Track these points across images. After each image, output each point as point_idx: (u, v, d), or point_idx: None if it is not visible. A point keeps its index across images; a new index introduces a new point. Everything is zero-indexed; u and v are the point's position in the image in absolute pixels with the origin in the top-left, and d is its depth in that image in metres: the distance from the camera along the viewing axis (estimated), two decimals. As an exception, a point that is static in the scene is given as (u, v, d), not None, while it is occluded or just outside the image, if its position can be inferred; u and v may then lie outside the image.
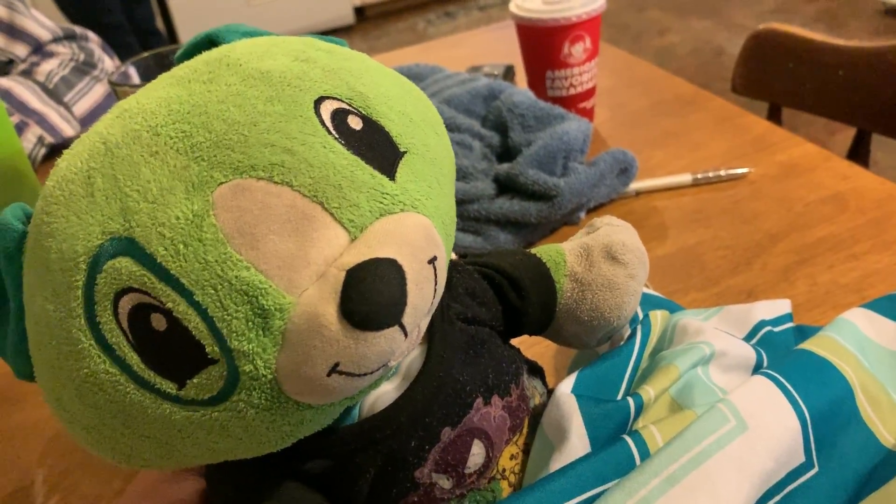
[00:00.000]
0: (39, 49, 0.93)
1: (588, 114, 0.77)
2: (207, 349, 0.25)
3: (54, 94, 0.92)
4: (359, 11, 3.64)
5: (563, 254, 0.38)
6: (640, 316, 0.42)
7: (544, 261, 0.37)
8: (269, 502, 0.30)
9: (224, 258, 0.25)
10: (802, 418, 0.34)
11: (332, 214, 0.26)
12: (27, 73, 0.92)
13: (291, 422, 0.27)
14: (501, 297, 0.37)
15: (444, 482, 0.32)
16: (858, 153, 0.86)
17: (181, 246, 0.25)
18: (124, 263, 0.25)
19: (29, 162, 0.63)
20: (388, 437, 0.31)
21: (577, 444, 0.33)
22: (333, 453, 0.31)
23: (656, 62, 0.88)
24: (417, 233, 0.27)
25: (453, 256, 0.36)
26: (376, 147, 0.28)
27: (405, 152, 0.29)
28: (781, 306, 0.47)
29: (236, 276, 0.25)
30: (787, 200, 0.63)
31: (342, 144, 0.27)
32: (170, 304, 0.25)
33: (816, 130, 2.11)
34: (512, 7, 0.72)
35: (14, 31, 0.91)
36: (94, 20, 2.47)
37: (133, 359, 0.26)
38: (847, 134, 0.87)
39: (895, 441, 0.36)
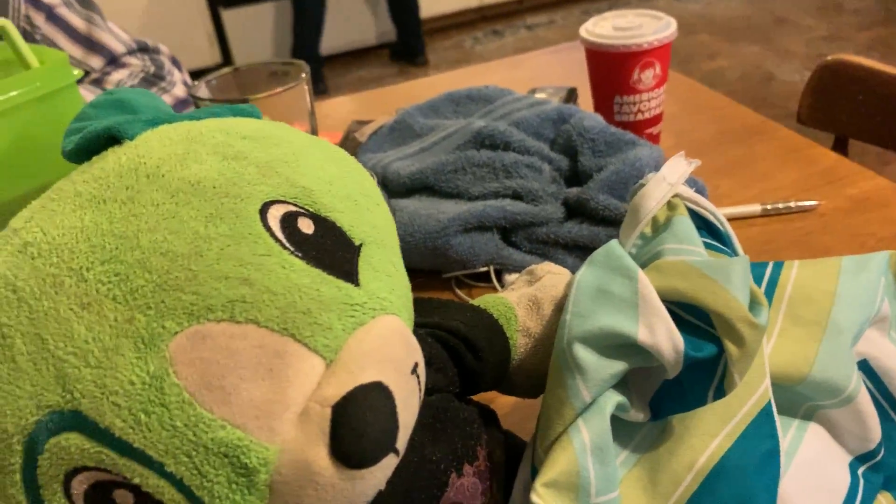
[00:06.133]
0: (114, 61, 0.96)
1: (654, 140, 0.77)
2: None
3: (123, 103, 0.94)
4: (407, 28, 3.69)
5: (512, 308, 0.36)
6: None
7: (495, 317, 0.36)
8: None
9: (194, 421, 0.21)
10: None
11: (305, 345, 0.23)
12: (98, 83, 0.95)
13: None
14: (457, 359, 0.35)
15: None
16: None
17: (141, 415, 0.21)
18: (73, 440, 0.22)
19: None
20: None
21: None
22: None
23: (704, 86, 0.88)
24: (395, 343, 0.24)
25: None
26: (333, 250, 0.26)
27: (360, 245, 0.27)
28: None
29: (212, 439, 0.21)
30: (860, 235, 0.62)
31: (300, 258, 0.24)
32: (136, 480, 0.22)
33: (870, 160, 2.08)
34: (582, 32, 0.73)
35: (92, 44, 0.93)
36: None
37: None
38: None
39: None
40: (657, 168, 0.63)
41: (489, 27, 3.72)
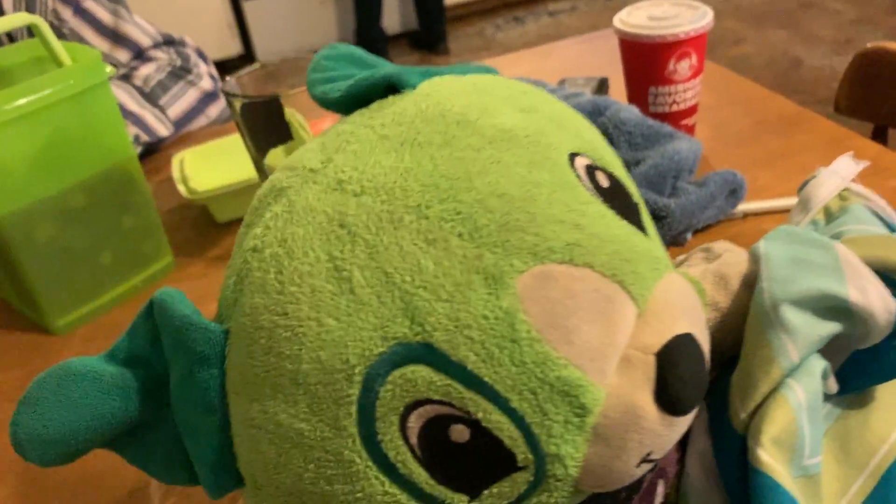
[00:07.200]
0: (140, 55, 0.96)
1: (689, 131, 0.75)
2: (519, 457, 0.22)
3: (150, 97, 0.94)
4: (427, 16, 3.66)
5: (698, 283, 0.36)
6: None
7: None
8: None
9: (542, 358, 0.22)
10: None
11: (628, 292, 0.23)
12: (126, 78, 0.95)
13: None
14: None
15: None
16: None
17: (494, 350, 0.21)
18: (420, 373, 0.22)
19: (141, 168, 0.64)
20: (602, 494, 0.28)
21: None
22: None
23: (740, 75, 0.87)
24: (691, 298, 0.25)
25: None
26: (627, 206, 0.26)
27: (637, 204, 0.27)
28: None
29: (557, 377, 0.22)
30: (905, 228, 0.61)
31: (612, 210, 0.25)
32: (480, 414, 0.22)
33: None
34: (616, 22, 0.71)
35: (118, 38, 0.93)
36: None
37: (420, 476, 0.22)
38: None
39: None
40: (696, 160, 0.62)
41: (510, 14, 3.68)
